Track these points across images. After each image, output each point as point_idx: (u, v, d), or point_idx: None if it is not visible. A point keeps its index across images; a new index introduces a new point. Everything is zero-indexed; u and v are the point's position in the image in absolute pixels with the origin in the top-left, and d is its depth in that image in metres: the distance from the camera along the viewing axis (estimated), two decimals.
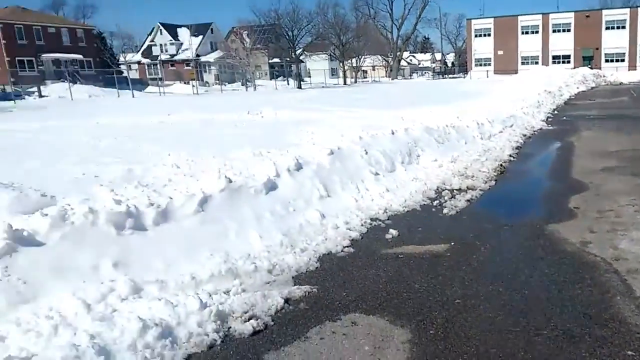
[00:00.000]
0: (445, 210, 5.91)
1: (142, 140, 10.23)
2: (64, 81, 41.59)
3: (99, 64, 51.18)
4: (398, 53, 76.06)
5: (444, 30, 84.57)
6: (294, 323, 3.34)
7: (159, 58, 61.64)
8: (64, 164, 7.38)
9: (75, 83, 40.04)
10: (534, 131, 12.44)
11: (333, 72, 69.57)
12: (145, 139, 10.45)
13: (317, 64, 62.78)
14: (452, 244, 4.78)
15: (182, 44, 65.54)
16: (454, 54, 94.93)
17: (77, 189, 5.54)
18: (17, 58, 45.43)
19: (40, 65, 47.42)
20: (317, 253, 4.54)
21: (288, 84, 55.03)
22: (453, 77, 71.84)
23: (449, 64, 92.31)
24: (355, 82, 62.17)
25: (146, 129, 12.89)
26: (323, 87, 50.26)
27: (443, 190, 6.72)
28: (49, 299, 3.34)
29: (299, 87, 48.41)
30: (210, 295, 3.62)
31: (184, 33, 65.73)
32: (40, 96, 36.36)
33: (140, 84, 49.26)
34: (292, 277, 4.06)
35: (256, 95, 35.51)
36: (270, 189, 5.52)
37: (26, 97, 35.52)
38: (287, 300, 3.61)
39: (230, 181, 5.27)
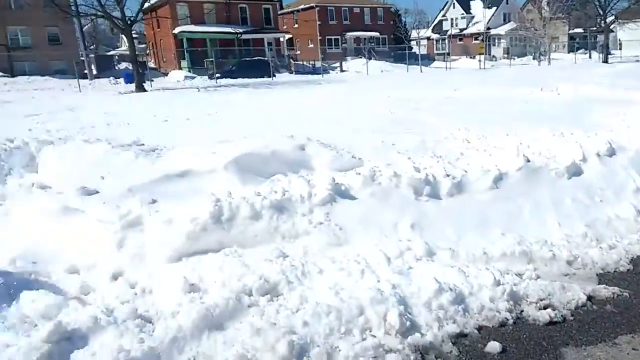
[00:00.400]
0: None
1: (430, 114, 10.59)
2: (361, 57, 46.29)
3: (392, 40, 54.70)
4: None
5: None
6: (599, 325, 3.00)
7: (447, 33, 61.99)
8: (364, 132, 8.26)
9: (370, 59, 43.96)
10: None
11: None
12: (432, 112, 10.78)
13: (632, 34, 52.38)
14: None
15: (473, 17, 64.19)
16: None
17: (378, 154, 6.18)
18: (326, 37, 52.51)
19: (343, 43, 53.76)
20: (629, 253, 3.92)
21: (590, 57, 47.98)
22: None
23: None
24: None
25: (434, 102, 13.26)
26: (638, 61, 41.92)
27: None
28: (356, 245, 3.85)
29: (605, 61, 41.56)
30: (502, 274, 3.55)
31: (477, 5, 64.07)
32: (342, 71, 41.39)
33: (427, 59, 50.72)
34: (597, 275, 3.63)
35: (550, 69, 32.18)
36: (574, 174, 4.99)
37: (330, 71, 40.99)
38: (590, 298, 3.26)
39: (528, 160, 4.99)
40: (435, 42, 67.58)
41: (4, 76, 31.26)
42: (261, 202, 3.63)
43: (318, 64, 41.31)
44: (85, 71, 32.28)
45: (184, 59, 39.30)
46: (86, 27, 44.25)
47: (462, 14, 65.65)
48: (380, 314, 2.97)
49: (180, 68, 38.82)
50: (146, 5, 24.03)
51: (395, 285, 3.29)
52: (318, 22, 52.40)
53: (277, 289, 3.23)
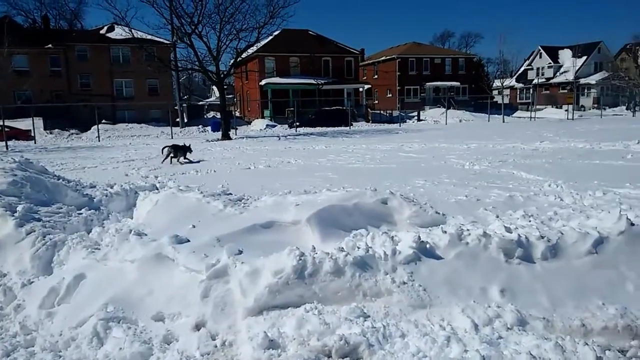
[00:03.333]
0: None
1: (515, 167, 10.17)
2: (439, 106, 46.05)
3: (474, 90, 54.06)
4: None
5: None
6: None
7: (533, 82, 60.25)
8: (446, 185, 8.07)
9: (449, 108, 43.56)
10: None
11: None
12: (518, 166, 10.35)
13: None
14: None
15: (561, 66, 62.14)
16: None
17: (463, 210, 5.98)
18: (405, 87, 53.02)
19: (422, 93, 53.93)
20: None
21: None
22: None
23: None
24: None
25: (519, 154, 12.75)
26: None
27: None
28: (441, 309, 3.66)
29: None
30: (603, 350, 3.21)
31: (565, 54, 62.16)
32: (419, 120, 41.29)
33: (509, 108, 49.38)
34: None
35: None
36: None
37: (407, 120, 41.04)
38: None
39: (632, 224, 4.56)
40: (518, 92, 65.87)
41: (107, 123, 34.55)
42: (344, 258, 3.60)
43: (395, 112, 41.62)
44: (178, 119, 34.86)
45: (267, 108, 41.31)
46: (182, 79, 48.22)
47: (550, 63, 63.75)
48: None
49: (262, 117, 40.78)
50: (238, 59, 25.80)
51: (484, 357, 3.06)
52: (398, 73, 53.26)
53: (357, 351, 3.13)
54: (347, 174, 9.82)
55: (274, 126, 35.34)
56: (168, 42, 31.07)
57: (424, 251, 4.03)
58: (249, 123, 38.81)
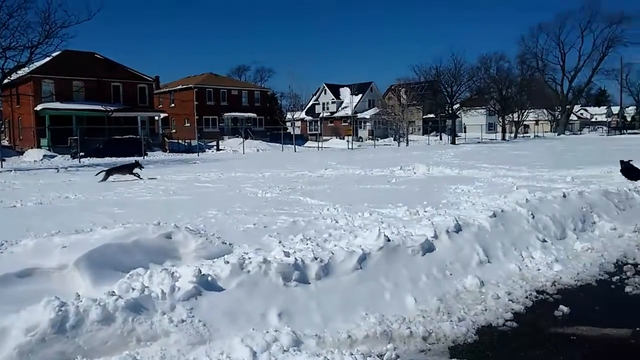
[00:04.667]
0: (627, 289, 5.17)
1: (302, 193, 10.97)
2: (237, 137, 47.17)
3: (269, 121, 56.95)
4: (567, 107, 70.32)
5: (625, 81, 75.55)
6: None
7: (320, 115, 66.37)
8: (237, 214, 8.23)
9: (247, 138, 44.94)
10: None
11: (490, 127, 66.94)
12: (305, 192, 11.18)
13: (474, 119, 61.10)
14: (638, 329, 4.13)
15: (342, 102, 70.15)
16: (635, 107, 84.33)
17: (250, 238, 6.16)
18: (204, 117, 52.88)
19: (220, 123, 54.50)
20: (475, 324, 4.29)
21: (441, 139, 54.39)
22: (634, 133, 63.52)
23: (629, 118, 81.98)
24: (515, 137, 58.83)
25: (306, 181, 13.80)
26: (479, 142, 48.52)
27: (625, 264, 5.90)
28: (221, 342, 3.68)
29: (453, 142, 47.47)
30: (365, 357, 3.63)
31: (345, 92, 70.46)
32: (218, 149, 41.53)
33: (301, 139, 53.32)
34: (449, 348, 3.88)
35: (408, 150, 35.73)
36: (427, 250, 5.44)
37: (207, 150, 40.90)
38: None
39: (389, 240, 5.34)
40: (308, 124, 71.93)
41: None
42: (114, 303, 3.34)
43: (194, 141, 41.07)
44: None
45: (45, 136, 36.46)
46: None
47: (333, 99, 71.47)
48: None
49: (39, 146, 35.83)
50: (6, 81, 22.26)
51: None
52: (195, 102, 52.89)
53: None
54: (136, 208, 9.22)
55: (53, 157, 31.33)
56: None
57: (206, 284, 4.02)
58: (21, 153, 33.60)
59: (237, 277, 4.19)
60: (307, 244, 5.44)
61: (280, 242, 5.71)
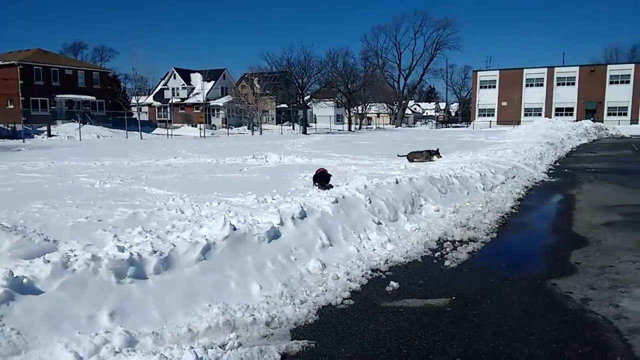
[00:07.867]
0: (446, 263, 5.87)
1: (147, 183, 10.33)
2: (74, 121, 42.53)
3: (111, 105, 52.39)
4: (403, 102, 77.62)
5: (450, 80, 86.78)
6: None
7: (169, 101, 63.13)
8: (67, 207, 7.43)
9: (85, 123, 40.84)
10: (536, 183, 12.46)
11: (338, 118, 70.83)
12: (150, 182, 10.55)
13: (324, 110, 64.07)
14: (453, 298, 4.72)
15: (193, 88, 67.43)
16: (458, 103, 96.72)
17: (79, 233, 5.59)
18: (31, 98, 46.60)
19: (52, 105, 48.58)
20: (316, 305, 4.48)
21: (294, 128, 55.92)
22: (456, 126, 72.94)
23: (453, 113, 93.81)
24: (360, 128, 63.19)
25: (153, 171, 13.02)
26: (328, 132, 51.01)
27: (445, 241, 6.69)
28: (40, 350, 3.27)
29: (305, 132, 49.12)
30: (205, 350, 3.54)
31: (196, 78, 67.79)
32: (50, 135, 37.02)
33: (149, 125, 50.23)
34: (291, 331, 3.99)
35: (262, 139, 35.98)
36: (274, 237, 5.51)
37: (35, 135, 36.19)
38: (284, 356, 3.54)
39: (235, 229, 5.28)
40: (157, 110, 67.89)
41: None
42: None
43: (19, 126, 36.00)
44: None
45: None
46: None
47: (183, 84, 68.41)
48: None
49: None
50: None
51: None
52: (20, 82, 46.34)
53: None
54: None
55: None
56: None
57: (20, 288, 3.53)
58: None
59: (60, 277, 3.76)
60: (146, 237, 5.11)
61: (115, 236, 5.28)
